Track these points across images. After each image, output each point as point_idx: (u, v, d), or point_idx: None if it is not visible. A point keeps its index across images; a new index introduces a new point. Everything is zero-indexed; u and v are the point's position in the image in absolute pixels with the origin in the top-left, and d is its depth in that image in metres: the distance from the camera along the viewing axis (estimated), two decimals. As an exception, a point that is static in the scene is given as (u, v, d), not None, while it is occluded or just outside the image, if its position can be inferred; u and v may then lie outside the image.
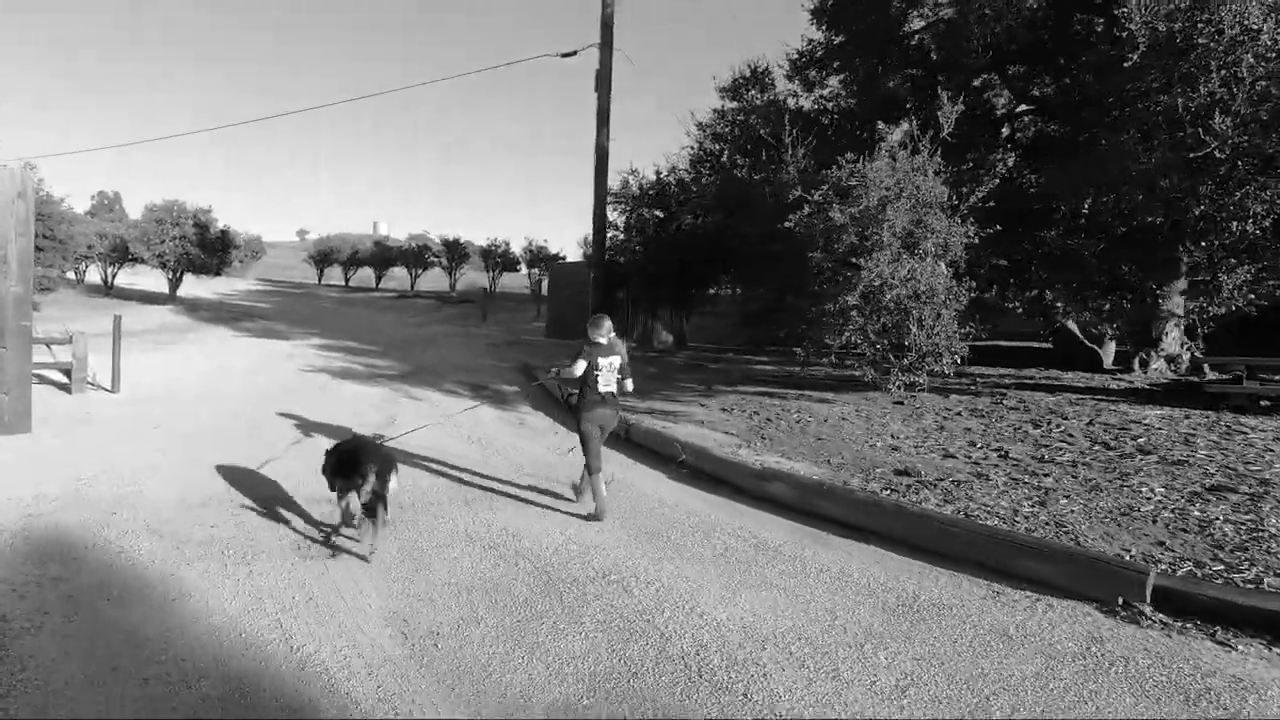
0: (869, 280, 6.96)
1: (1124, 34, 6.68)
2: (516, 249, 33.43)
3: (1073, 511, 5.02)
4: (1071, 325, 11.77)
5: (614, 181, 14.59)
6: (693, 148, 16.42)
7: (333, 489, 4.41)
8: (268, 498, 5.46)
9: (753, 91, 16.35)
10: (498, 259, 33.80)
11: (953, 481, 5.81)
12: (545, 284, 27.18)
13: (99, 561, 4.00)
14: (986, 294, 7.76)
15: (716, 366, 13.83)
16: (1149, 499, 5.22)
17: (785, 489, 5.59)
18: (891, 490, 5.66)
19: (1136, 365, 10.69)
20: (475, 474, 6.41)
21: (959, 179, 7.41)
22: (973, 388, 9.88)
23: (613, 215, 14.48)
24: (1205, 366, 10.17)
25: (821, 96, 12.96)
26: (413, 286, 39.47)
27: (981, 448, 6.98)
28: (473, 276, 39.23)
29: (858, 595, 3.88)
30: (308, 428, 7.90)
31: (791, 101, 13.61)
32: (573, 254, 30.59)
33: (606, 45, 13.61)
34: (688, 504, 5.60)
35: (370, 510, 4.27)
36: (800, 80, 13.02)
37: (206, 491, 5.52)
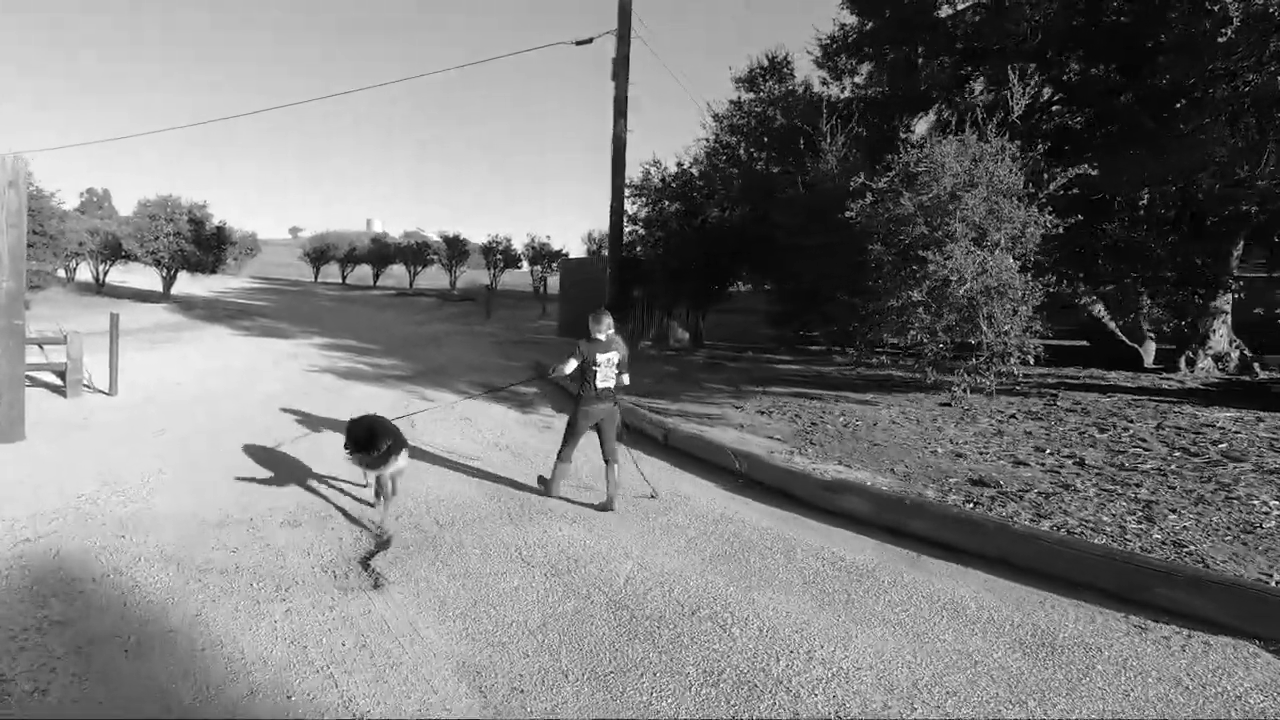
0: (938, 274, 6.47)
1: (1216, 7, 6.21)
2: (518, 245, 32.83)
3: (1186, 528, 4.55)
4: (1109, 322, 11.34)
5: (633, 173, 14.07)
6: (708, 140, 15.91)
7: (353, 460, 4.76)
8: (289, 513, 4.93)
9: (770, 83, 15.85)
10: (499, 256, 33.17)
11: (1039, 493, 5.33)
12: (549, 281, 26.62)
13: (109, 598, 3.45)
14: (1056, 289, 7.26)
15: (737, 365, 13.34)
16: (1266, 513, 4.76)
17: (861, 503, 5.09)
18: (974, 503, 5.18)
19: (1183, 364, 10.27)
20: (511, 484, 5.89)
21: (1033, 166, 6.91)
22: (1018, 388, 9.42)
23: (630, 208, 13.97)
24: (1255, 365, 9.76)
25: (856, 84, 12.45)
26: (412, 284, 38.81)
27: (1051, 454, 6.51)
28: (473, 274, 38.62)
29: (986, 632, 3.39)
30: (320, 432, 7.36)
31: (822, 90, 13.09)
32: (576, 250, 30.04)
33: (624, 32, 13.07)
34: (753, 520, 5.10)
35: (379, 483, 4.74)
36: (829, 68, 12.49)
37: (222, 506, 4.97)
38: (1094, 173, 6.61)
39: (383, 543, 4.48)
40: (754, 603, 3.65)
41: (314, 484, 5.64)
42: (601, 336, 5.12)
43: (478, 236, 35.89)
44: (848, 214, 7.05)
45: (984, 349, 6.90)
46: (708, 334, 17.33)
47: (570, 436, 5.17)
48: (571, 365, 5.02)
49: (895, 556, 4.43)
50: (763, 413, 8.70)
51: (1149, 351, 11.26)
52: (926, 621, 3.49)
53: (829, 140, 9.15)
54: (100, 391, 9.11)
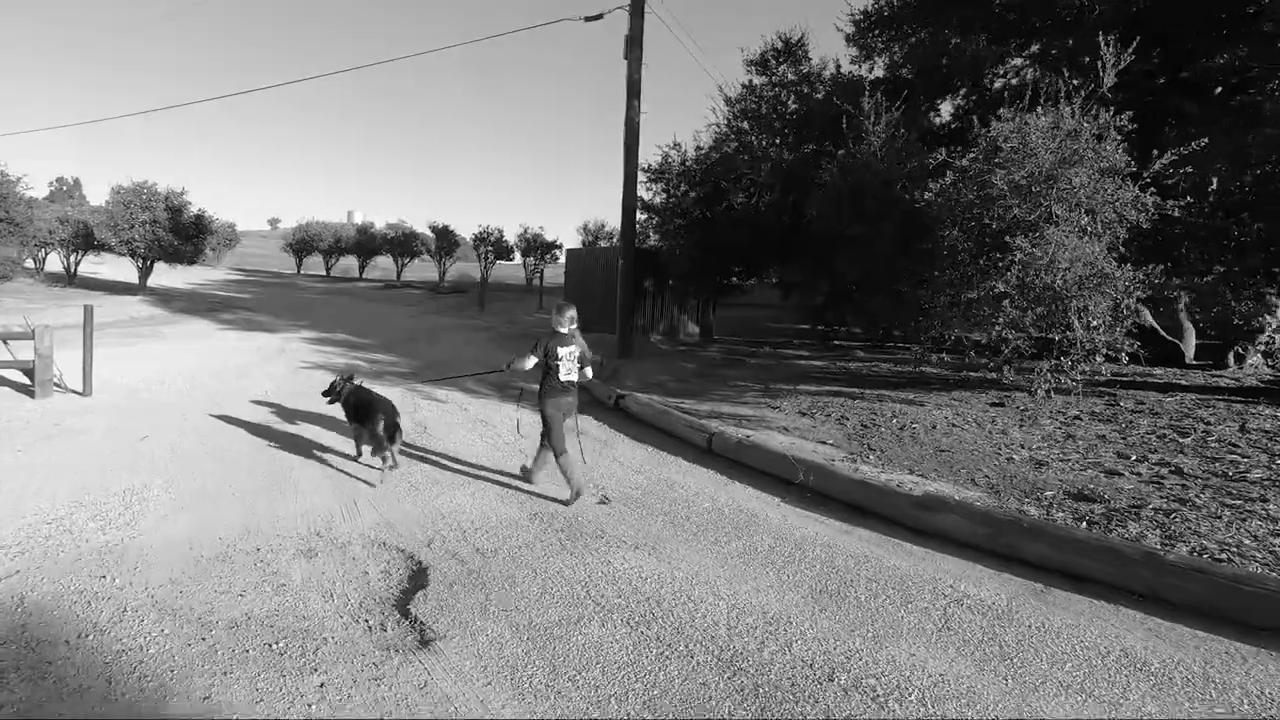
0: (1033, 263, 5.82)
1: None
2: (510, 236, 31.88)
3: (1348, 553, 3.97)
4: (1148, 317, 10.84)
5: (650, 158, 13.28)
6: (718, 125, 15.18)
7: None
8: (301, 538, 4.19)
9: (783, 66, 15.16)
10: (490, 247, 32.19)
11: (1155, 510, 4.73)
12: (545, 274, 25.75)
13: (92, 670, 2.70)
14: (1160, 281, 6.65)
15: (758, 362, 12.69)
16: None
17: (963, 523, 4.45)
18: (1088, 522, 4.56)
19: (1231, 360, 9.78)
20: (551, 500, 5.18)
21: (1130, 143, 6.30)
22: (1066, 385, 8.87)
23: (645, 194, 13.15)
24: (1309, 362, 9.29)
25: (893, 61, 11.76)
26: (399, 276, 37.67)
27: (1140, 461, 5.93)
28: (462, 266, 37.61)
29: (1193, 702, 2.76)
30: (322, 436, 6.58)
31: (851, 69, 12.35)
32: (571, 242, 29.15)
33: (637, 8, 12.28)
34: (842, 544, 4.44)
35: (379, 449, 5.33)
36: (860, 45, 11.76)
37: (222, 533, 4.21)
38: (1200, 149, 6.02)
39: (420, 571, 3.76)
40: (894, 661, 2.99)
41: (323, 499, 4.89)
42: (564, 330, 5.06)
43: (464, 229, 34.94)
44: (921, 196, 6.39)
45: (1075, 346, 6.29)
46: (716, 328, 16.69)
47: (551, 430, 5.12)
48: (531, 361, 5.00)
49: (1022, 590, 3.79)
50: (804, 414, 8.05)
51: (1189, 346, 10.79)
52: (1110, 684, 2.85)
53: (872, 120, 8.47)
54: (73, 392, 8.22)
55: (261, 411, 7.63)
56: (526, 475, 5.54)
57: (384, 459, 5.32)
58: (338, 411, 7.47)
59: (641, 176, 12.82)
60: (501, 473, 5.83)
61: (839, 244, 8.53)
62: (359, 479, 5.43)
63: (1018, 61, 8.99)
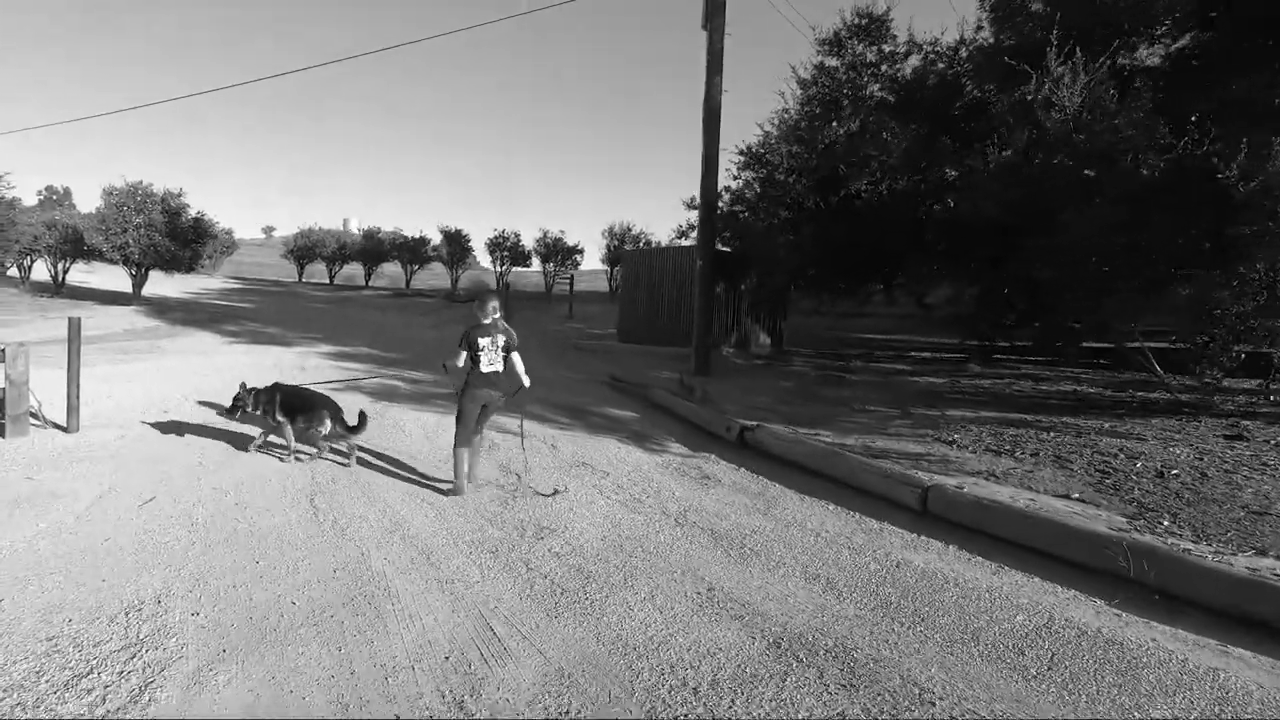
0: None
1: None
2: (528, 241, 30.24)
3: None
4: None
5: (739, 137, 11.55)
6: (788, 110, 13.52)
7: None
8: (424, 706, 2.46)
9: (860, 46, 13.55)
10: (505, 253, 30.56)
11: None
12: (559, 279, 24.09)
13: None
14: None
15: (862, 379, 10.99)
16: None
17: None
18: None
19: None
20: (749, 610, 3.46)
21: None
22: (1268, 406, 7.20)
23: (732, 183, 11.41)
24: None
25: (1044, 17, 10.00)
26: (408, 284, 35.96)
27: None
28: (474, 273, 35.96)
29: None
30: (397, 493, 4.85)
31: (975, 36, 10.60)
32: (592, 249, 27.41)
33: (718, -31, 10.67)
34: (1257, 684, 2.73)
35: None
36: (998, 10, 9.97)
37: (289, 702, 2.49)
38: None
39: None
40: None
41: (440, 620, 3.16)
42: (487, 320, 5.10)
43: (474, 235, 33.28)
44: (1244, 179, 4.73)
45: None
46: (781, 340, 15.00)
47: (462, 422, 5.05)
48: (462, 356, 5.04)
49: None
50: (995, 451, 6.34)
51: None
52: None
53: (1071, 78, 6.78)
54: (56, 426, 6.50)
55: (299, 449, 5.90)
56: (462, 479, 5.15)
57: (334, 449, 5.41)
58: (399, 448, 5.80)
59: (737, 159, 11.10)
60: (666, 550, 4.10)
61: (1016, 235, 6.86)
62: (483, 583, 3.71)
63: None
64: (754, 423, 7.09)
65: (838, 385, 10.43)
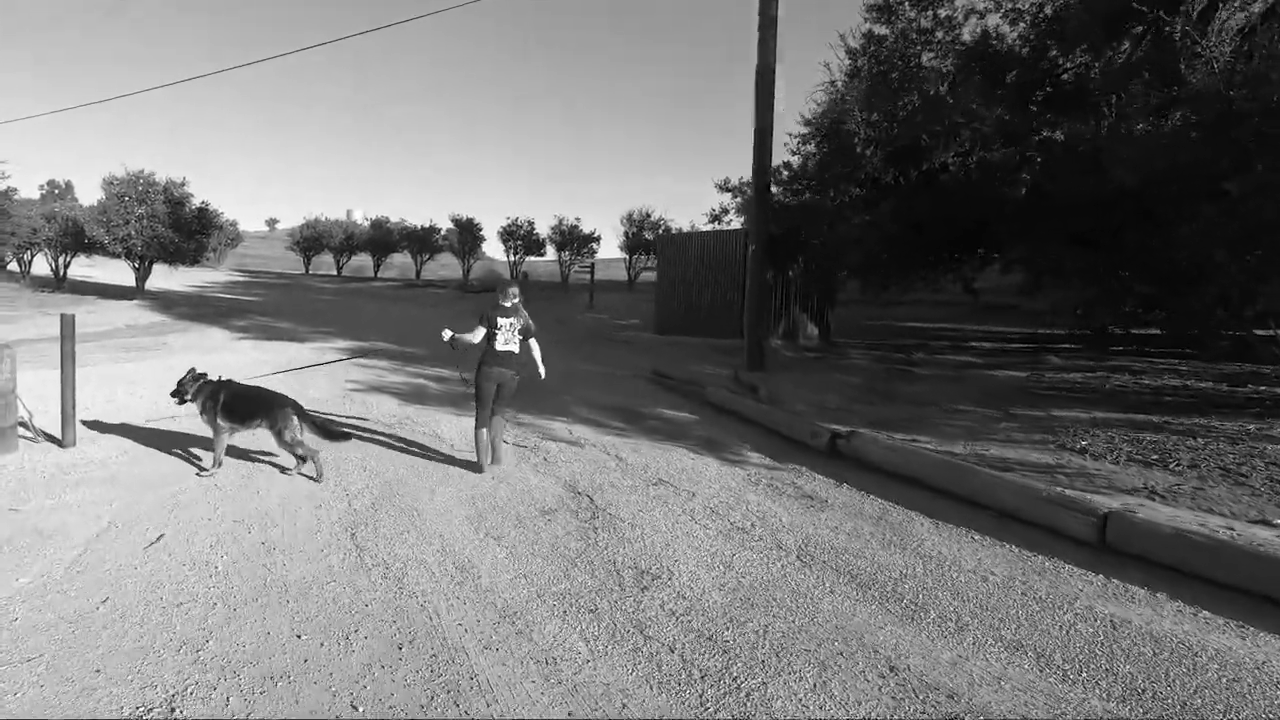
0: None
1: None
2: (542, 229, 29.28)
3: None
4: None
5: (789, 110, 10.52)
6: (834, 83, 12.51)
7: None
8: None
9: (911, 12, 12.51)
10: (519, 241, 29.66)
11: None
12: (576, 268, 23.21)
13: None
14: None
15: (932, 373, 10.10)
16: None
17: None
18: None
19: None
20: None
21: None
22: None
23: (790, 158, 10.39)
24: None
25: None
26: (418, 274, 35.13)
27: None
28: (485, 262, 35.11)
29: None
30: (456, 522, 4.01)
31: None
32: (609, 237, 26.47)
33: (770, -79, 9.69)
34: None
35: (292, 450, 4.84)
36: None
37: None
38: None
39: None
40: None
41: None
42: (507, 303, 5.25)
43: (481, 224, 32.40)
44: None
45: None
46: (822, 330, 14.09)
47: (480, 401, 5.18)
48: (480, 332, 5.14)
49: None
50: (1140, 461, 5.46)
51: None
52: None
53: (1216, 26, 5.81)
54: (49, 439, 5.70)
55: (327, 470, 5.08)
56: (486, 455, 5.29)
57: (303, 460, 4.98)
58: (435, 457, 4.99)
59: (799, 130, 10.10)
60: (799, 600, 3.25)
61: (1152, 209, 5.92)
62: (594, 661, 2.88)
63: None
64: (844, 428, 6.23)
65: (908, 380, 9.55)
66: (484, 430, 5.19)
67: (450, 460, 5.59)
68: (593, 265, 21.92)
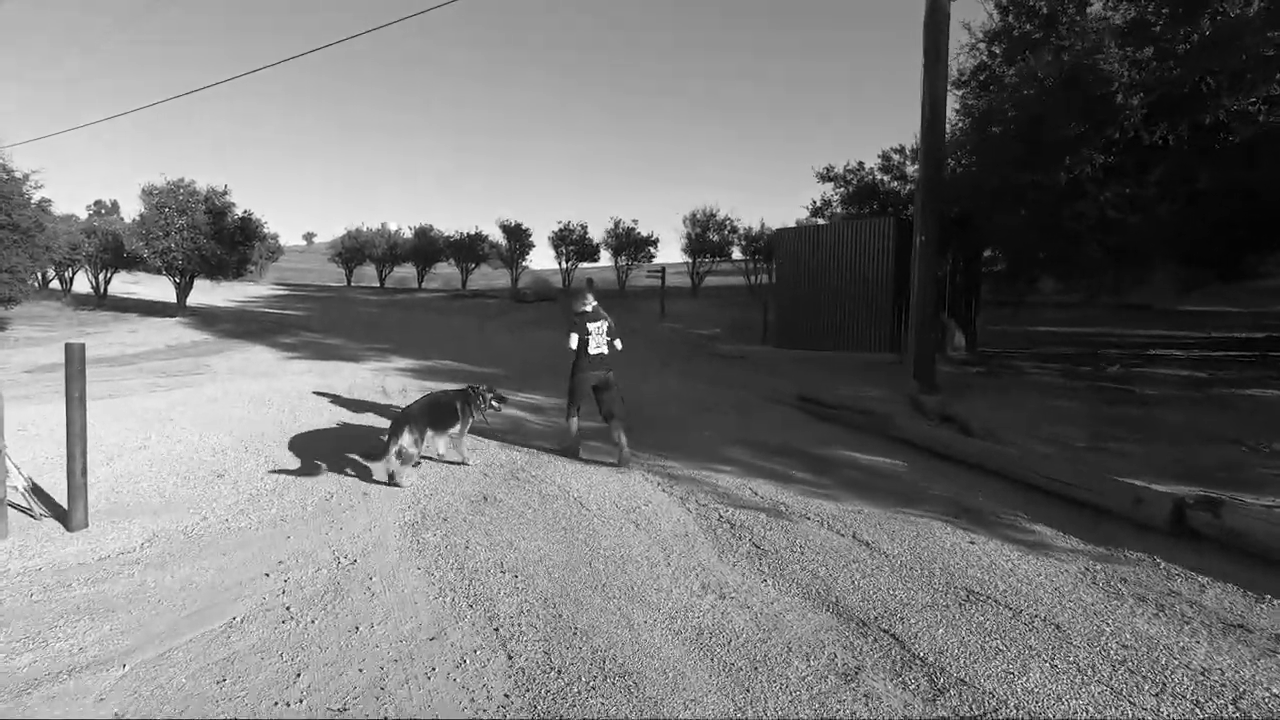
0: None
1: None
2: (596, 234, 27.71)
3: None
4: None
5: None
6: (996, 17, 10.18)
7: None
8: None
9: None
10: (572, 246, 28.12)
11: None
12: (663, 276, 21.49)
13: None
14: None
15: (1161, 392, 8.03)
16: None
17: None
18: None
19: None
20: None
21: None
22: None
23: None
24: None
25: None
26: (465, 285, 33.90)
27: None
28: (535, 271, 33.72)
29: None
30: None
31: None
32: (668, 238, 24.66)
33: None
34: None
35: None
36: None
37: None
38: None
39: None
40: None
41: None
42: (587, 309, 5.47)
43: (530, 229, 30.97)
44: None
45: None
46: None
47: (573, 400, 5.49)
48: (575, 339, 5.38)
49: None
50: None
51: None
52: None
53: None
54: (51, 518, 4.13)
55: (458, 561, 3.36)
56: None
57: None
58: (593, 557, 3.06)
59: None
60: None
61: None
62: None
63: None
64: (1187, 491, 4.29)
65: (1142, 405, 7.50)
66: (574, 420, 5.53)
67: (623, 563, 3.83)
68: (663, 270, 20.12)
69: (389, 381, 9.52)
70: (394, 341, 14.90)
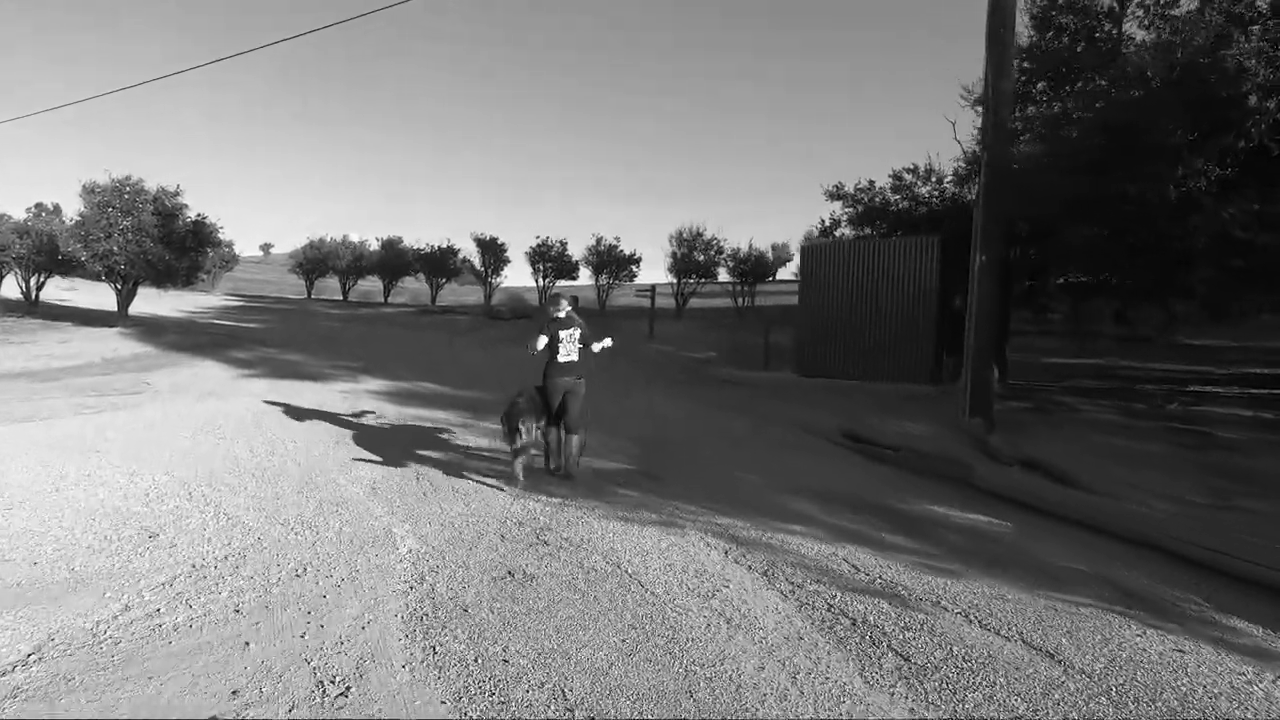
0: None
1: None
2: (576, 250, 26.69)
3: None
4: None
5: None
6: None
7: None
8: None
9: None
10: (550, 263, 27.03)
11: None
12: (653, 295, 20.56)
13: None
14: None
15: (1245, 436, 7.31)
16: None
17: None
18: None
19: None
20: None
21: None
22: None
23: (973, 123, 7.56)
24: None
25: None
26: (434, 300, 32.42)
27: None
28: (510, 288, 32.48)
29: None
30: None
31: None
32: (652, 257, 23.83)
33: None
34: None
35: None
36: None
37: None
38: None
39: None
40: None
41: None
42: (561, 314, 5.48)
43: (505, 244, 29.74)
44: None
45: None
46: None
47: (546, 408, 5.41)
48: (543, 341, 5.34)
49: None
50: None
51: None
52: None
53: None
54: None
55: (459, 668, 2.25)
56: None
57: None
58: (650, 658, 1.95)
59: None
60: None
61: None
62: None
63: None
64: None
65: (1230, 449, 6.75)
66: (553, 429, 5.46)
67: (737, 691, 2.77)
68: (653, 290, 19.15)
69: (358, 403, 8.28)
70: (361, 359, 13.54)
